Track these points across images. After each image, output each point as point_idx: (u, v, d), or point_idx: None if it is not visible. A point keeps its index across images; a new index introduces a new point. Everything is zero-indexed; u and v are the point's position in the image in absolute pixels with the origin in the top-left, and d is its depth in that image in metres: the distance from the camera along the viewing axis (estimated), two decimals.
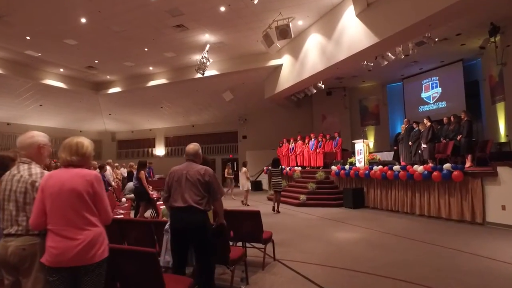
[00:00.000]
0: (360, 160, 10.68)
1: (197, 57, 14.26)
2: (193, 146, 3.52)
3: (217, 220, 3.52)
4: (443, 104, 14.42)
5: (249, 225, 4.52)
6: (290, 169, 13.64)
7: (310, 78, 12.83)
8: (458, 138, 8.80)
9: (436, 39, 9.66)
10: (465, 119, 8.79)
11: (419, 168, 8.07)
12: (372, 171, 9.44)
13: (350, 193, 9.78)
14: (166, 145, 23.32)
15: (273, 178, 9.50)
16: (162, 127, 23.06)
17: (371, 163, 10.30)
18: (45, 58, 14.38)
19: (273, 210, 9.42)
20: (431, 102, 14.91)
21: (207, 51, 13.40)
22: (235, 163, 21.16)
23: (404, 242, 5.76)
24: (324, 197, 10.52)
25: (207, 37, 13.10)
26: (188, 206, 3.21)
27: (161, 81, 16.91)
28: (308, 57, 12.62)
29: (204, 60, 13.40)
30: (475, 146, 9.13)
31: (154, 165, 22.64)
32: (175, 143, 23.06)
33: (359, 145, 10.84)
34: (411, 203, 8.50)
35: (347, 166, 10.61)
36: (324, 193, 10.74)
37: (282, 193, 11.96)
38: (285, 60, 14.38)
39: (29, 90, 16.20)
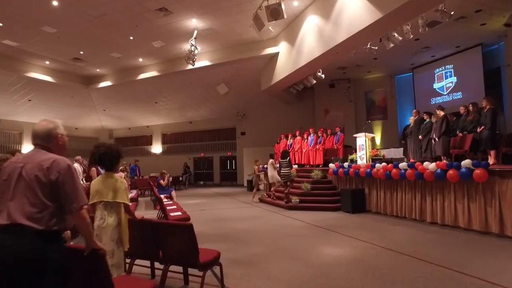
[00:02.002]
0: (361, 157, 9.10)
1: (187, 46, 12.92)
2: (45, 123, 2.08)
3: (86, 245, 2.10)
4: (458, 95, 12.64)
5: (178, 244, 3.08)
6: None
7: (307, 65, 11.28)
8: (479, 130, 7.21)
9: (452, 13, 7.97)
10: (488, 107, 7.16)
11: (430, 166, 6.47)
12: (374, 170, 7.84)
13: (349, 195, 8.19)
14: (163, 143, 22.10)
15: (282, 169, 9.36)
16: (159, 123, 21.86)
17: (374, 160, 8.70)
18: (25, 48, 13.24)
19: (286, 202, 9.25)
20: (445, 93, 13.14)
21: (195, 37, 12.01)
22: (234, 161, 19.77)
23: (408, 264, 4.21)
24: (320, 200, 8.97)
25: (194, 23, 11.72)
26: (12, 225, 1.80)
27: (152, 73, 15.64)
28: (305, 43, 11.08)
29: (192, 48, 12.04)
30: (500, 140, 7.49)
31: (151, 163, 21.52)
32: (172, 140, 21.83)
33: (360, 139, 9.25)
34: (421, 209, 6.87)
35: (346, 164, 9.04)
36: (320, 195, 9.18)
37: (276, 194, 10.52)
38: (282, 48, 12.87)
39: (15, 84, 15.16)
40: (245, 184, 15.87)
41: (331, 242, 5.43)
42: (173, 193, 10.22)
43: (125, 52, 14.27)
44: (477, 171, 5.52)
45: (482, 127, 7.10)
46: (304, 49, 11.16)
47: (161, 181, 10.14)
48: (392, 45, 9.46)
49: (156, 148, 22.13)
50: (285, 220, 7.49)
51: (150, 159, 21.81)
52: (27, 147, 18.57)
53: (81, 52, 14.07)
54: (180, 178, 16.73)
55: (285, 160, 9.45)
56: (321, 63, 11.34)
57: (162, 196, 9.55)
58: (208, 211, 9.11)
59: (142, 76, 15.94)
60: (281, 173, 9.49)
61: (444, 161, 7.01)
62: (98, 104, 19.33)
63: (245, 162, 17.41)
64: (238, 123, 18.93)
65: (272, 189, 10.39)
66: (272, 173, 10.14)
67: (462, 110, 8.51)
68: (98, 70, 16.38)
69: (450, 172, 5.99)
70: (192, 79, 15.82)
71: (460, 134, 7.99)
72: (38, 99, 16.98)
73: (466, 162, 5.76)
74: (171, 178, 16.60)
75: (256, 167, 12.08)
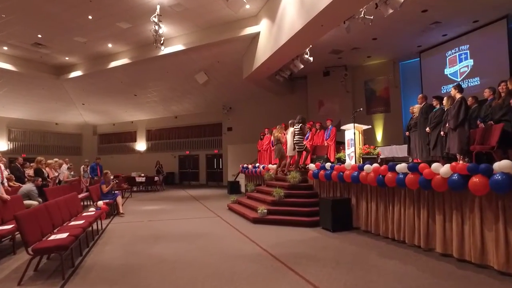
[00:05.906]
0: (351, 155, 6.84)
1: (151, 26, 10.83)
2: None
3: None
4: (475, 81, 10.18)
5: None
6: (264, 167, 9.96)
7: (289, 44, 9.03)
8: None
9: None
10: None
11: (442, 169, 4.18)
12: (363, 173, 5.57)
13: (329, 206, 5.90)
14: (148, 139, 20.09)
15: (295, 137, 8.19)
16: (143, 118, 19.89)
17: (365, 159, 6.42)
18: None
19: (285, 174, 8.08)
20: (459, 79, 10.68)
21: (159, 14, 9.89)
22: (220, 159, 17.64)
23: None
24: (294, 211, 6.69)
25: None
26: None
27: (124, 60, 13.64)
28: (286, 16, 8.86)
29: (156, 28, 9.95)
30: None
31: (133, 161, 19.63)
32: (157, 137, 19.81)
33: (349, 132, 6.98)
34: (427, 232, 4.57)
35: (328, 165, 6.76)
36: (295, 204, 6.92)
37: (246, 201, 8.35)
38: (263, 27, 10.63)
39: None
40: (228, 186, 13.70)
41: None
42: (119, 198, 8.15)
43: (90, 36, 12.29)
44: None
45: None
46: (284, 24, 8.93)
47: (103, 186, 8.07)
48: (391, 11, 7.14)
49: (140, 145, 20.16)
50: (236, 242, 5.27)
51: (133, 157, 19.93)
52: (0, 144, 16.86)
53: (39, 36, 12.14)
54: (156, 179, 14.67)
55: (297, 127, 8.22)
56: (306, 40, 9.10)
57: (102, 202, 7.52)
58: (153, 223, 6.99)
59: (113, 64, 13.97)
60: (294, 141, 8.26)
61: (461, 162, 4.73)
62: (75, 97, 17.47)
63: (229, 160, 15.25)
64: (224, 118, 16.75)
65: (286, 166, 8.62)
66: (291, 144, 8.42)
67: (486, 93, 6.10)
68: (66, 58, 14.47)
69: (475, 179, 3.70)
70: (168, 67, 13.76)
71: (482, 125, 5.68)
72: (5, 90, 15.18)
73: (503, 164, 3.45)
74: (140, 179, 14.61)
75: (283, 134, 9.76)
